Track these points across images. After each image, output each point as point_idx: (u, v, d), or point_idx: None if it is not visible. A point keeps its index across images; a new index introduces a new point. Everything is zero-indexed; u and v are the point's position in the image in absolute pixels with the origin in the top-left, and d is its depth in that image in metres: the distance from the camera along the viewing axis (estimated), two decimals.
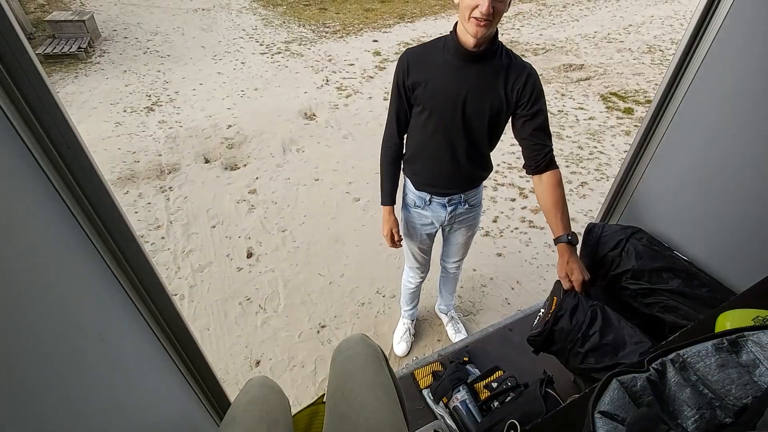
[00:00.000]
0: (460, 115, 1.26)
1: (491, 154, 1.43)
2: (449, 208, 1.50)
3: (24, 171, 0.53)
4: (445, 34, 1.26)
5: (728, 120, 1.14)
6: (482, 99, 1.23)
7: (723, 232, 1.22)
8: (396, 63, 1.30)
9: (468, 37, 1.15)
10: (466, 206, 1.52)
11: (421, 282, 1.91)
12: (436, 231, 1.63)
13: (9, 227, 0.46)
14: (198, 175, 3.36)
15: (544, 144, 1.25)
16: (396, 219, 1.55)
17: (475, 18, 1.09)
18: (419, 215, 1.55)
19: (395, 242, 1.56)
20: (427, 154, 1.39)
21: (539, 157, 1.25)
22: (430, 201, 1.48)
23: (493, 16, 1.08)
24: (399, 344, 2.09)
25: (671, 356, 0.51)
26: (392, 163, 1.47)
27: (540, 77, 1.25)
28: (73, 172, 0.59)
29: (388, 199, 1.50)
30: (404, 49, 1.32)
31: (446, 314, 2.18)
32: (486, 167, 1.46)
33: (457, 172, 1.40)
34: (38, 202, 0.54)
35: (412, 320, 2.14)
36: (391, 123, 1.40)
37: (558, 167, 1.28)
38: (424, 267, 1.82)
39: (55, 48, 5.16)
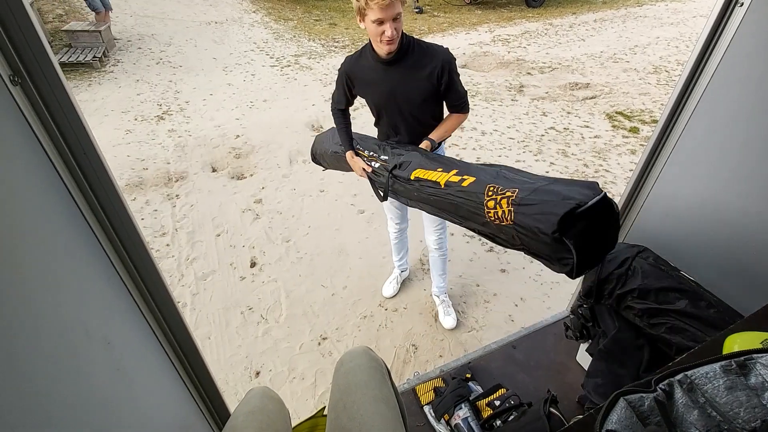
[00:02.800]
0: (394, 105, 1.57)
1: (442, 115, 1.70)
2: None
3: (40, 175, 0.54)
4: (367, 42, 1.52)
5: (735, 141, 1.14)
6: (409, 90, 1.52)
7: (730, 254, 1.21)
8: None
9: (382, 51, 1.43)
10: None
11: (401, 231, 2.19)
12: None
13: (23, 229, 0.47)
14: (205, 183, 3.39)
15: (461, 101, 1.57)
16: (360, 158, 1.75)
17: (384, 41, 1.36)
18: None
19: (366, 172, 1.73)
20: (383, 127, 1.72)
21: (456, 107, 1.59)
22: None
23: (397, 34, 1.36)
24: (387, 286, 2.42)
25: (679, 377, 0.50)
26: (343, 117, 1.73)
27: (454, 57, 1.51)
28: (87, 177, 0.60)
29: (350, 145, 1.74)
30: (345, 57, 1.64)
31: (438, 297, 2.29)
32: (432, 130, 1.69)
33: (407, 139, 1.66)
34: (52, 205, 0.56)
35: (402, 271, 2.45)
36: (336, 98, 1.70)
37: (468, 111, 1.62)
38: (397, 216, 2.08)
39: (70, 57, 5.28)
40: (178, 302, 2.35)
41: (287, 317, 2.30)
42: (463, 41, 7.00)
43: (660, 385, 0.51)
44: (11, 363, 0.39)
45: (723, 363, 0.50)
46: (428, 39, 7.21)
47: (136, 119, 4.34)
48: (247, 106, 4.69)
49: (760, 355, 0.50)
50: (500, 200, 1.08)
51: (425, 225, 2.00)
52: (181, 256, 2.69)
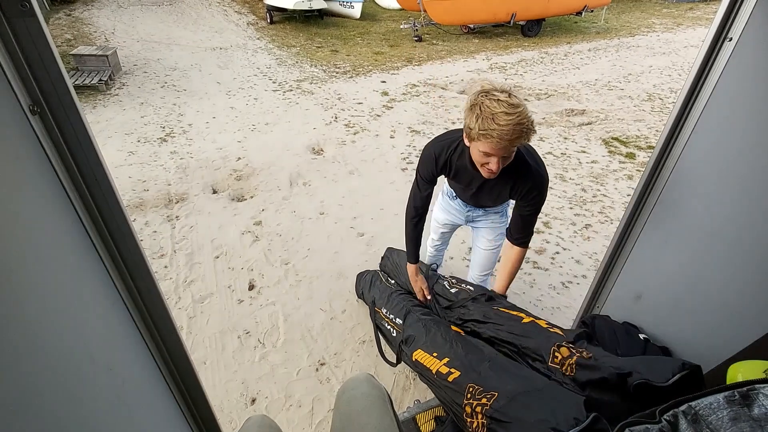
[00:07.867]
0: (474, 199, 1.67)
1: None
2: (468, 208, 1.85)
3: (52, 200, 0.55)
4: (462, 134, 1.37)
5: (733, 168, 1.16)
6: (491, 195, 1.57)
7: (737, 283, 1.20)
8: (423, 153, 1.54)
9: (482, 172, 1.35)
10: (482, 210, 1.83)
11: (437, 249, 2.25)
12: (457, 225, 2.01)
13: (34, 252, 0.47)
14: (205, 205, 3.41)
15: (527, 230, 1.59)
16: (423, 278, 1.81)
17: (484, 171, 1.29)
18: (448, 203, 1.92)
19: (426, 298, 1.80)
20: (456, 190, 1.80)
21: (519, 235, 1.59)
22: (455, 197, 1.84)
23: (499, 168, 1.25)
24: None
25: (683, 408, 0.50)
26: (416, 228, 1.70)
27: (548, 181, 1.46)
28: (97, 203, 0.61)
29: (414, 258, 1.76)
30: (428, 143, 1.57)
31: None
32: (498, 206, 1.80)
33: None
34: (62, 231, 0.56)
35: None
36: (416, 199, 1.64)
37: (528, 248, 1.63)
38: (439, 238, 2.17)
39: (77, 80, 5.40)
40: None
41: (285, 342, 2.27)
42: (461, 68, 7.19)
43: (665, 416, 0.51)
44: (20, 390, 0.39)
45: (726, 393, 0.50)
46: (427, 66, 7.40)
47: (139, 141, 4.39)
48: (249, 129, 4.77)
49: (762, 385, 0.51)
50: (476, 406, 1.09)
51: (472, 265, 2.05)
52: (179, 278, 2.67)
